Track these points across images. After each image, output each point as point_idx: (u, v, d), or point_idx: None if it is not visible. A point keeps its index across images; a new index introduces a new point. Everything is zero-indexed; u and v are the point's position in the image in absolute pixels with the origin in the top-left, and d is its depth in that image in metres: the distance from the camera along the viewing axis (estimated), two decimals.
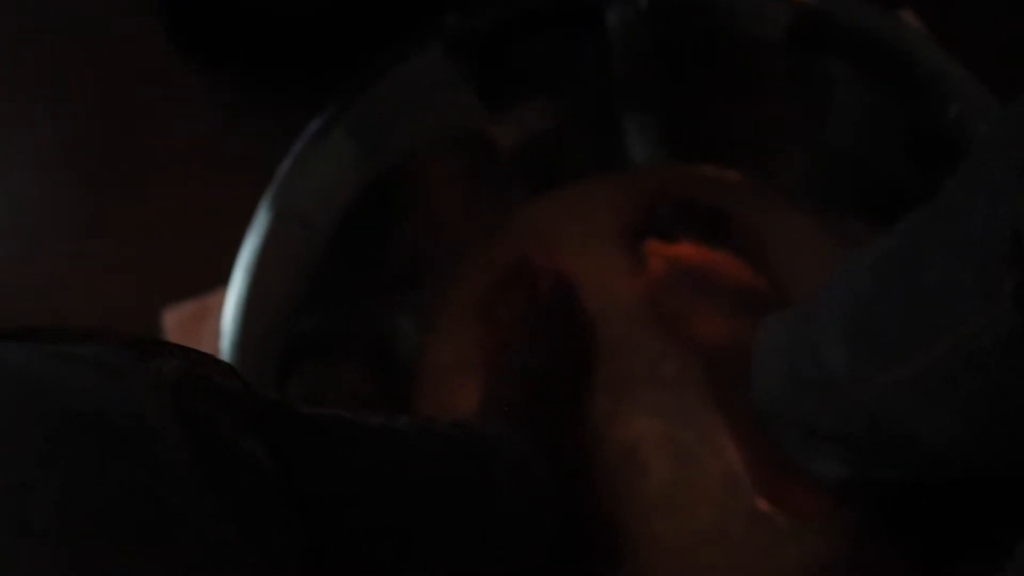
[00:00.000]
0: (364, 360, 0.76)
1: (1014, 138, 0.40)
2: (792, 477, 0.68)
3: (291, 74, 0.90)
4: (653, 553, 0.70)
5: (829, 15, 0.71)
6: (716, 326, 0.73)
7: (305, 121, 0.71)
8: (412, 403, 0.76)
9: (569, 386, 0.74)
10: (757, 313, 0.68)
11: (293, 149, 0.70)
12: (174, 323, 0.83)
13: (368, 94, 0.73)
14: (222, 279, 0.68)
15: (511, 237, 0.82)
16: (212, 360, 0.35)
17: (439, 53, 0.74)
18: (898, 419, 0.51)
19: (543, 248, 0.80)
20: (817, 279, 0.60)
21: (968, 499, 0.61)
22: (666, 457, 0.73)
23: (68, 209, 0.91)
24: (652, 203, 0.81)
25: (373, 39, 0.82)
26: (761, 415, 0.67)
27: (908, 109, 0.70)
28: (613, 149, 0.83)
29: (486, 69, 0.76)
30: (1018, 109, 0.41)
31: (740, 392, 0.68)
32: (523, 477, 0.60)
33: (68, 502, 0.26)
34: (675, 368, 0.75)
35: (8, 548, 0.25)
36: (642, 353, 0.76)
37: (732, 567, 0.69)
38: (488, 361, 0.76)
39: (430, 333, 0.79)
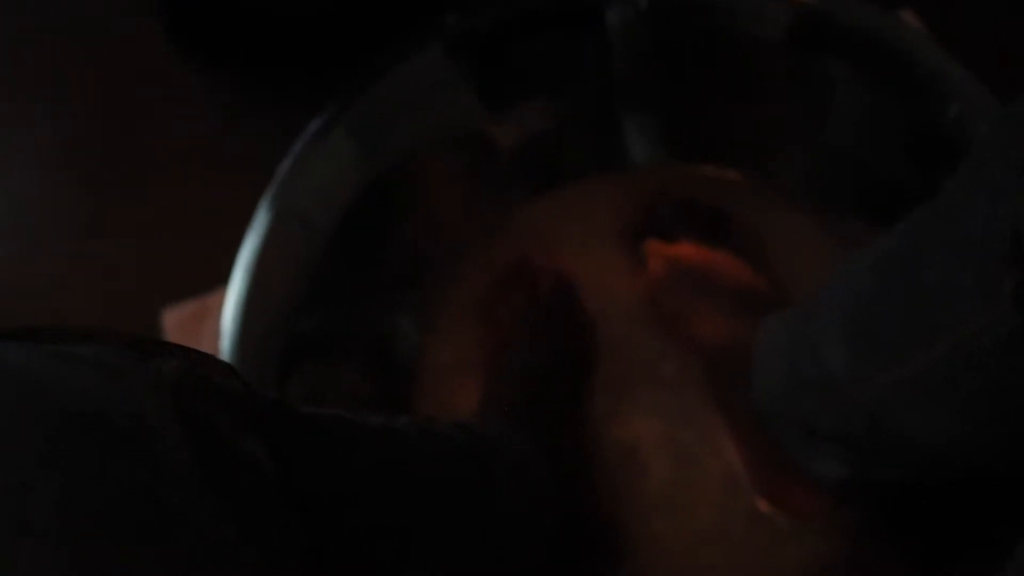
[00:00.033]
0: (364, 360, 0.76)
1: (1014, 138, 0.40)
2: (792, 477, 0.68)
3: (291, 74, 0.90)
4: (653, 553, 0.70)
5: (829, 15, 0.71)
6: (716, 326, 0.73)
7: (305, 121, 0.71)
8: (412, 403, 0.76)
9: (569, 386, 0.74)
10: (757, 313, 0.68)
11: (293, 149, 0.70)
12: (174, 323, 0.83)
13: (368, 94, 0.73)
14: (222, 279, 0.68)
15: (511, 237, 0.82)
16: (212, 360, 0.35)
17: (439, 53, 0.74)
18: (898, 419, 0.51)
19: (543, 248, 0.80)
20: (817, 279, 0.60)
21: (968, 499, 0.61)
22: (666, 457, 0.73)
23: (68, 209, 0.91)
24: (652, 203, 0.81)
25: (373, 39, 0.82)
26: (761, 415, 0.67)
27: (908, 109, 0.70)
28: (613, 149, 0.83)
29: (486, 69, 0.76)
30: (1018, 109, 0.41)
31: (740, 392, 0.68)
32: (523, 477, 0.60)
33: (68, 502, 0.26)
34: (675, 368, 0.75)
35: (8, 548, 0.25)
36: (642, 353, 0.76)
37: (732, 567, 0.69)
38: (488, 361, 0.76)
39: (430, 333, 0.79)
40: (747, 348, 0.67)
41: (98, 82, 0.95)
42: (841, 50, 0.71)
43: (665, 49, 0.76)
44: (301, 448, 0.37)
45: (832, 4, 0.71)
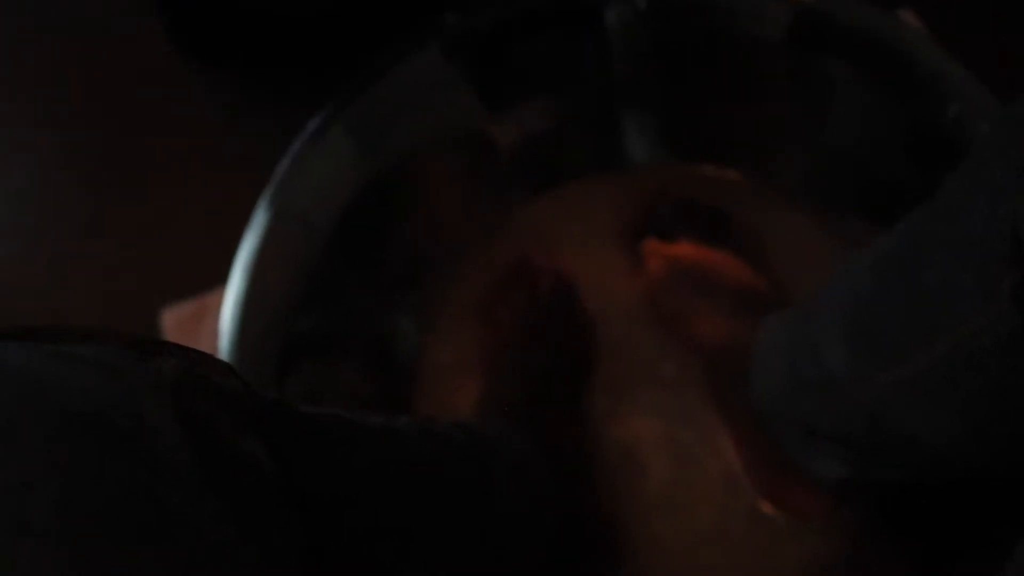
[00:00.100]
0: (364, 360, 0.76)
1: (1014, 138, 0.40)
2: (792, 477, 0.68)
3: (291, 74, 0.90)
4: (653, 553, 0.70)
5: (829, 15, 0.71)
6: (716, 326, 0.73)
7: (305, 121, 0.71)
8: (412, 403, 0.76)
9: (569, 386, 0.74)
10: (757, 313, 0.68)
11: (291, 148, 0.70)
12: (173, 322, 0.83)
13: (367, 93, 0.73)
14: (221, 279, 0.68)
15: (511, 237, 0.82)
16: (211, 359, 0.35)
17: (439, 53, 0.74)
18: (898, 419, 0.51)
19: (543, 248, 0.80)
20: (817, 279, 0.60)
21: (968, 499, 0.61)
22: (666, 457, 0.73)
23: (68, 209, 0.91)
24: (652, 203, 0.81)
25: (373, 39, 0.82)
26: (761, 415, 0.67)
27: (908, 109, 0.70)
28: (613, 149, 0.83)
29: (486, 69, 0.76)
30: (1018, 109, 0.41)
31: (740, 392, 0.68)
32: (523, 477, 0.60)
33: (68, 502, 0.26)
34: (675, 368, 0.75)
35: (8, 548, 0.25)
36: (642, 353, 0.76)
37: (732, 567, 0.69)
38: (488, 361, 0.76)
39: (430, 333, 0.79)
40: (747, 348, 0.67)
41: (98, 82, 0.95)
42: (841, 50, 0.71)
43: (665, 49, 0.76)
44: (301, 448, 0.37)
45: (832, 4, 0.71)
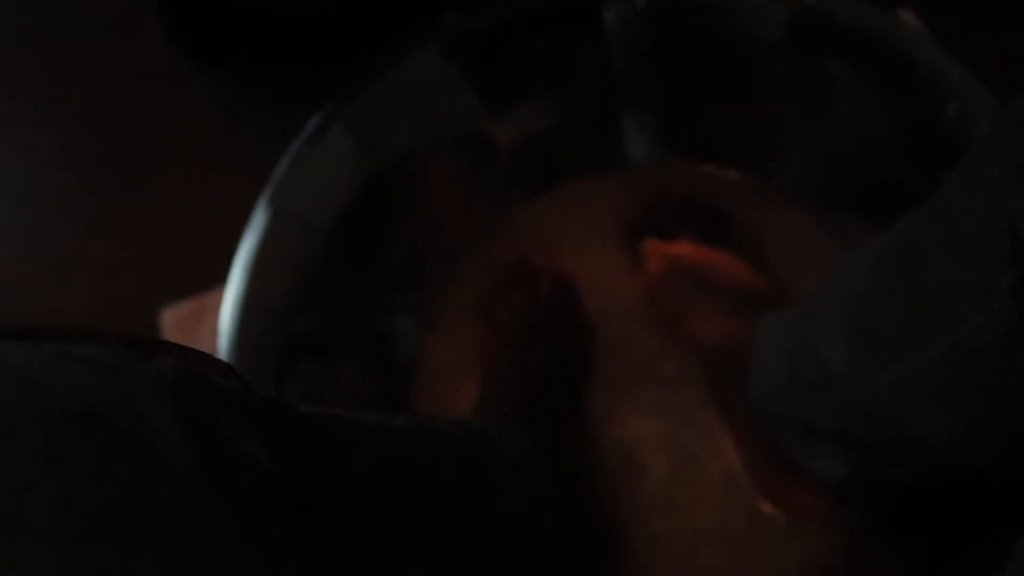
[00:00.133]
0: (363, 360, 0.76)
1: (1014, 137, 0.40)
2: (792, 477, 0.68)
3: (291, 74, 0.90)
4: (653, 553, 0.70)
5: (829, 15, 0.71)
6: (716, 325, 0.73)
7: (305, 121, 0.71)
8: (412, 403, 0.76)
9: (569, 386, 0.74)
10: (757, 313, 0.68)
11: (290, 148, 0.70)
12: (172, 322, 0.83)
13: (367, 93, 0.73)
14: (220, 278, 0.68)
15: (511, 237, 0.82)
16: (211, 359, 0.35)
17: (439, 53, 0.74)
18: (898, 419, 0.51)
19: (543, 248, 0.80)
20: (817, 279, 0.60)
21: (968, 499, 0.61)
22: (666, 457, 0.73)
23: (68, 209, 0.91)
24: (652, 203, 0.81)
25: (373, 39, 0.82)
26: (761, 414, 0.67)
27: (908, 109, 0.70)
28: (613, 148, 0.83)
29: (486, 69, 0.76)
30: (1018, 108, 0.41)
31: (740, 392, 0.68)
32: (523, 477, 0.60)
33: (68, 502, 0.26)
34: (675, 367, 0.75)
35: (8, 548, 0.25)
36: (642, 353, 0.76)
37: (732, 567, 0.69)
38: (488, 361, 0.76)
39: (430, 333, 0.79)
40: (747, 347, 0.67)
41: (98, 82, 0.95)
42: (841, 50, 0.71)
43: (665, 49, 0.76)
44: (301, 448, 0.37)
45: (832, 4, 0.71)
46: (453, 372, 0.77)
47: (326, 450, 0.39)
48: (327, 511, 0.37)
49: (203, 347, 0.36)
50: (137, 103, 0.93)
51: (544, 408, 0.71)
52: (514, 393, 0.71)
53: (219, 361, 0.36)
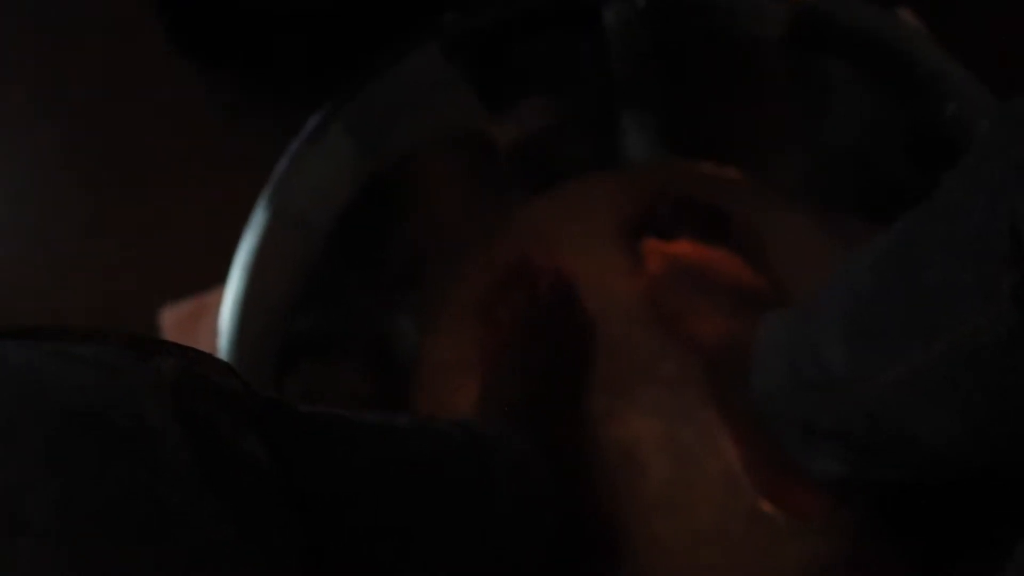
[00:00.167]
0: (363, 360, 0.76)
1: (1014, 136, 0.40)
2: (792, 477, 0.68)
3: (291, 74, 0.90)
4: (653, 553, 0.70)
5: (828, 14, 0.71)
6: (716, 325, 0.73)
7: (305, 121, 0.71)
8: (412, 403, 0.76)
9: (569, 386, 0.74)
10: (757, 312, 0.68)
11: (290, 148, 0.70)
12: (172, 322, 0.83)
13: (367, 93, 0.73)
14: (220, 278, 0.68)
15: (511, 237, 0.82)
16: (210, 359, 0.35)
17: (438, 53, 0.74)
18: (898, 419, 0.51)
19: (543, 248, 0.80)
20: (817, 279, 0.60)
21: (968, 499, 0.61)
22: (666, 457, 0.73)
23: (68, 209, 0.91)
24: (652, 202, 0.81)
25: (373, 39, 0.82)
26: (761, 414, 0.67)
27: (908, 109, 0.70)
28: (613, 148, 0.83)
29: (486, 69, 0.76)
30: (1018, 108, 0.41)
31: (740, 392, 0.68)
32: (523, 477, 0.60)
33: (68, 502, 0.26)
34: (675, 367, 0.75)
35: (8, 547, 0.25)
36: (642, 352, 0.76)
37: (732, 567, 0.69)
38: (488, 361, 0.76)
39: (430, 333, 0.79)
40: (747, 347, 0.67)
41: (98, 82, 0.95)
42: (841, 50, 0.71)
43: (664, 48, 0.76)
44: (301, 448, 0.37)
45: (832, 3, 0.71)
46: (453, 372, 0.77)
47: (326, 450, 0.39)
48: (327, 511, 0.37)
49: (203, 347, 0.36)
50: (137, 103, 0.93)
51: (544, 408, 0.71)
52: (514, 393, 0.71)
53: (219, 361, 0.36)
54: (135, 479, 0.28)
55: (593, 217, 0.82)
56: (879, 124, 0.72)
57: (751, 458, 0.71)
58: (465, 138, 0.79)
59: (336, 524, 0.38)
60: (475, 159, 0.80)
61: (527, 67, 0.77)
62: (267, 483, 0.33)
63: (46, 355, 0.29)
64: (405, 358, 0.78)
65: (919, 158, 0.70)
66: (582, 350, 0.76)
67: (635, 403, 0.74)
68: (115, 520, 0.27)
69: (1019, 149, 0.39)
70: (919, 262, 0.46)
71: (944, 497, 0.62)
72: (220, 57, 0.93)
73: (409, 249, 0.79)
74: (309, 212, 0.72)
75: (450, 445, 0.52)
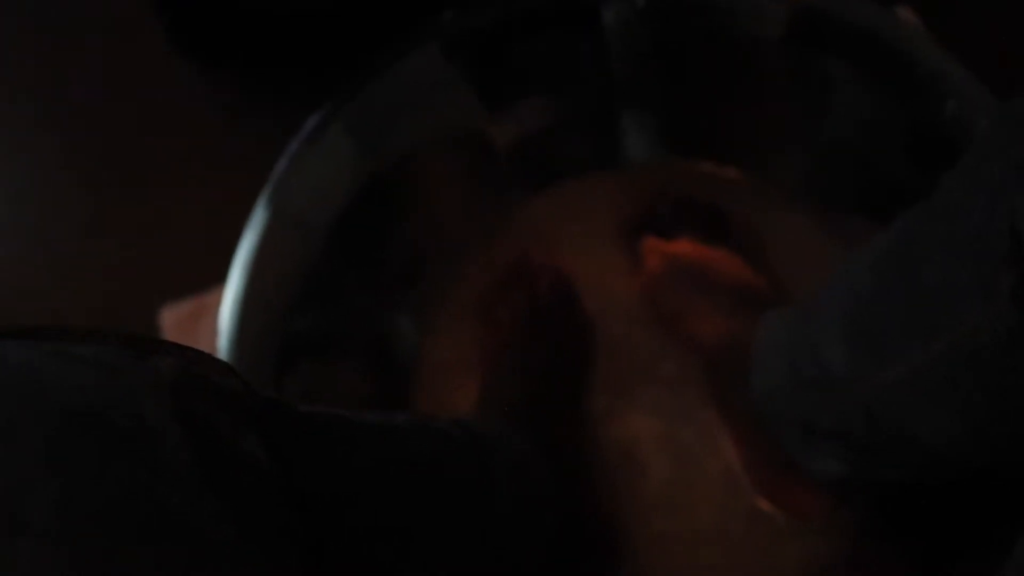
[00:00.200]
0: (363, 359, 0.76)
1: (1014, 136, 0.40)
2: (792, 476, 0.68)
3: (291, 74, 0.90)
4: (653, 553, 0.70)
5: (828, 14, 0.71)
6: (715, 325, 0.73)
7: (305, 121, 0.71)
8: (411, 403, 0.76)
9: (569, 385, 0.74)
10: (756, 312, 0.68)
11: (289, 148, 0.70)
12: (172, 321, 0.83)
13: (366, 93, 0.73)
14: (220, 278, 0.68)
15: (511, 236, 0.82)
16: (209, 359, 0.35)
17: (438, 53, 0.74)
18: (898, 419, 0.51)
19: (542, 247, 0.80)
20: (817, 279, 0.60)
21: (968, 499, 0.61)
22: (666, 456, 0.73)
23: (68, 209, 0.91)
24: (652, 202, 0.81)
25: (373, 39, 0.82)
26: (761, 414, 0.67)
27: (908, 108, 0.70)
28: (612, 148, 0.83)
29: (485, 69, 0.76)
30: (1017, 108, 0.41)
31: (740, 391, 0.68)
32: (523, 477, 0.60)
33: (68, 502, 0.26)
34: (674, 367, 0.75)
35: (8, 548, 0.25)
36: (641, 352, 0.76)
37: (732, 567, 0.69)
38: (488, 361, 0.76)
39: (430, 333, 0.79)
40: (746, 347, 0.67)
41: (98, 82, 0.95)
42: (840, 49, 0.71)
43: (664, 48, 0.76)
44: (300, 448, 0.37)
45: (831, 3, 0.71)
46: (453, 372, 0.77)
47: (326, 450, 0.39)
48: (327, 511, 0.37)
49: (202, 347, 0.36)
50: (137, 103, 0.93)
51: (544, 408, 0.71)
52: (514, 393, 0.71)
53: (218, 360, 0.36)
54: (135, 479, 0.28)
55: (593, 217, 0.82)
56: (879, 124, 0.72)
57: (751, 458, 0.71)
58: (465, 138, 0.79)
59: (336, 524, 0.38)
60: (475, 159, 0.80)
61: (527, 67, 0.77)
62: (267, 483, 0.33)
63: (46, 355, 0.29)
64: (405, 358, 0.78)
65: (919, 158, 0.70)
66: (582, 350, 0.76)
67: (635, 403, 0.74)
68: (115, 520, 0.27)
69: (1019, 149, 0.39)
70: (919, 262, 0.46)
71: (944, 497, 0.62)
72: (220, 57, 0.93)
73: (409, 249, 0.79)
74: (308, 212, 0.72)
75: (450, 445, 0.52)
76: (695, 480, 0.72)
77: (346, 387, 0.74)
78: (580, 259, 0.79)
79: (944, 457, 0.51)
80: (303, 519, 0.35)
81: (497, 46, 0.75)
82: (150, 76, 0.93)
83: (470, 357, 0.77)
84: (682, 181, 0.82)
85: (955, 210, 0.43)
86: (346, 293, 0.75)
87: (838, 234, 0.77)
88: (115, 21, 0.96)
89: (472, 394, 0.74)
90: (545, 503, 0.62)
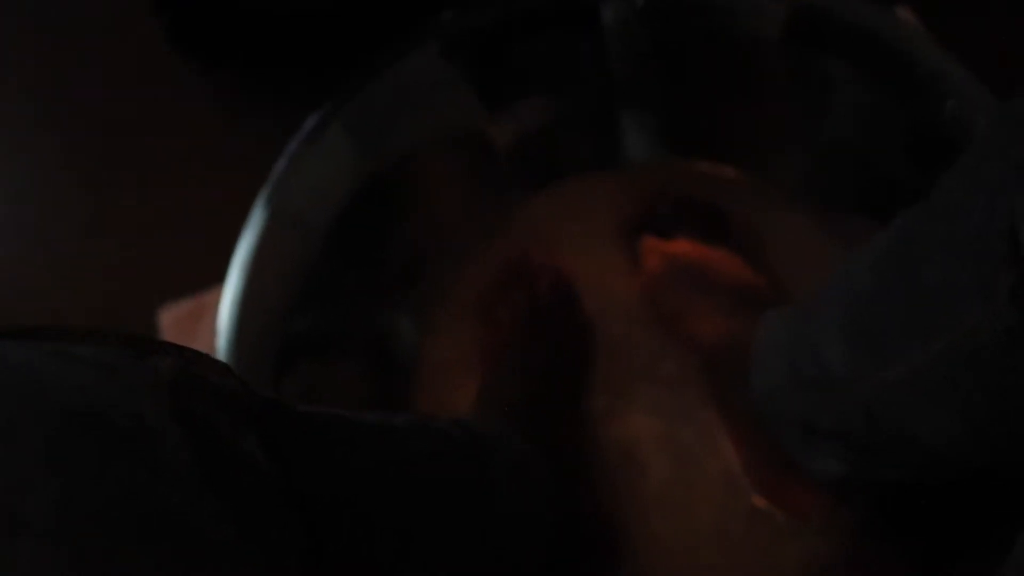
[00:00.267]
0: (362, 359, 0.76)
1: (1013, 136, 0.40)
2: (792, 476, 0.68)
3: (291, 74, 0.90)
4: (653, 553, 0.70)
5: (828, 14, 0.71)
6: (715, 325, 0.73)
7: (305, 121, 0.71)
8: (411, 403, 0.76)
9: (568, 385, 0.74)
10: (756, 312, 0.68)
11: (288, 148, 0.70)
12: (171, 321, 0.83)
13: (366, 93, 0.73)
14: (219, 278, 0.68)
15: (510, 236, 0.82)
16: (208, 359, 0.35)
17: (438, 53, 0.74)
18: (898, 419, 0.51)
19: (542, 247, 0.80)
20: (817, 278, 0.60)
21: (968, 499, 0.61)
22: (665, 456, 0.73)
23: (68, 209, 0.91)
24: (651, 201, 0.81)
25: (373, 39, 0.82)
26: (760, 414, 0.67)
27: (908, 108, 0.70)
28: (612, 147, 0.83)
29: (485, 69, 0.76)
30: (1017, 108, 0.41)
31: (739, 391, 0.68)
32: (523, 477, 0.60)
33: (68, 502, 0.26)
34: (674, 367, 0.75)
35: (8, 548, 0.25)
36: (641, 352, 0.76)
37: (732, 567, 0.69)
38: (488, 360, 0.76)
39: (429, 333, 0.79)
40: (746, 347, 0.67)
41: (98, 82, 0.95)
42: (840, 49, 0.71)
43: (664, 48, 0.76)
44: (300, 448, 0.37)
45: (831, 2, 0.71)
46: (453, 372, 0.77)
47: (325, 450, 0.39)
48: (326, 511, 0.37)
49: (202, 347, 0.36)
50: (137, 103, 0.93)
51: (544, 408, 0.71)
52: (514, 393, 0.71)
53: (216, 361, 0.36)
54: (135, 479, 0.28)
55: (593, 217, 0.82)
56: (879, 124, 0.73)
57: (751, 458, 0.71)
58: (465, 138, 0.79)
59: (335, 524, 0.38)
60: (475, 159, 0.80)
61: (527, 67, 0.77)
62: (266, 483, 0.33)
63: (46, 355, 0.29)
64: (405, 358, 0.78)
65: (919, 158, 0.70)
66: (582, 350, 0.76)
67: (635, 402, 0.74)
68: (115, 520, 0.27)
69: (1019, 149, 0.39)
70: (918, 262, 0.46)
71: (944, 497, 0.62)
72: (220, 57, 0.93)
73: (409, 249, 0.79)
74: (308, 212, 0.72)
75: (450, 445, 0.52)
76: (695, 480, 0.72)
77: (346, 387, 0.74)
78: (580, 259, 0.79)
79: (944, 457, 0.51)
80: (302, 519, 0.35)
81: (497, 46, 0.75)
82: (150, 76, 0.94)
83: (470, 357, 0.77)
84: (682, 181, 0.82)
85: (955, 210, 0.43)
86: (346, 293, 0.75)
87: (838, 234, 0.77)
88: (115, 21, 0.96)
89: (472, 394, 0.74)
90: (545, 503, 0.62)
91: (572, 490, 0.69)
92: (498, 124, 0.79)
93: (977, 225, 0.40)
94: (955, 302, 0.42)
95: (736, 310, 0.72)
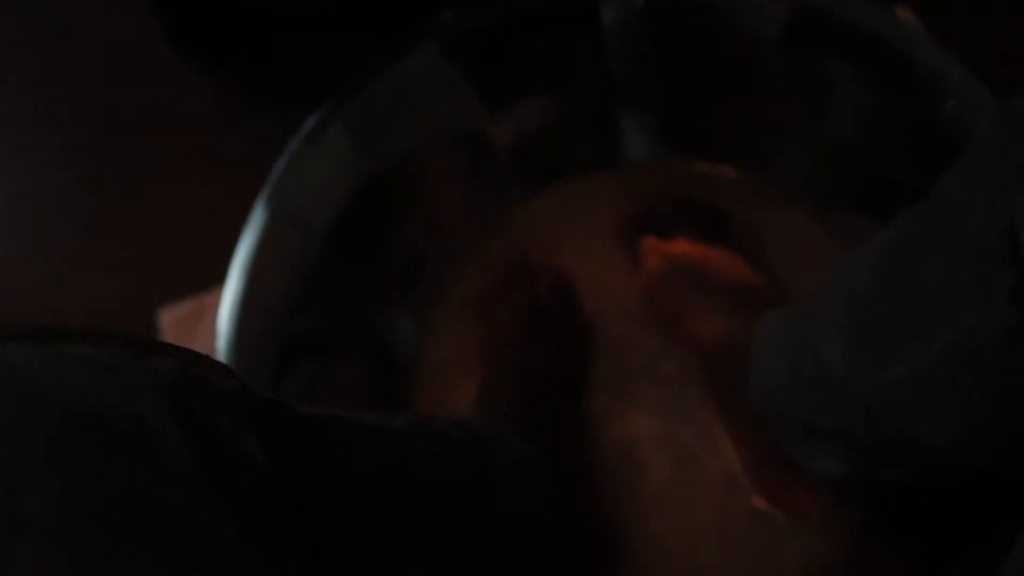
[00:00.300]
0: (362, 359, 0.76)
1: (1013, 136, 0.40)
2: (792, 476, 0.68)
3: (291, 74, 0.90)
4: (653, 553, 0.70)
5: (828, 14, 0.71)
6: (715, 325, 0.73)
7: (304, 121, 0.71)
8: (411, 402, 0.76)
9: (568, 385, 0.74)
10: (756, 312, 0.68)
11: (288, 148, 0.70)
12: (171, 322, 0.83)
13: (365, 93, 0.73)
14: (219, 278, 0.68)
15: (510, 236, 0.82)
16: (208, 360, 0.35)
17: (437, 53, 0.74)
18: (898, 419, 0.51)
19: (542, 247, 0.80)
20: (817, 278, 0.60)
21: (968, 499, 0.61)
22: (665, 456, 0.73)
23: (68, 209, 0.91)
24: (651, 201, 0.81)
25: (373, 39, 0.82)
26: (760, 414, 0.67)
27: (908, 108, 0.70)
28: (612, 147, 0.83)
29: (485, 69, 0.76)
30: (1017, 108, 0.41)
31: (739, 391, 0.68)
32: (523, 477, 0.60)
33: (68, 502, 0.26)
34: (674, 367, 0.75)
35: (8, 548, 0.25)
36: (641, 352, 0.76)
37: (732, 567, 0.69)
38: (488, 360, 0.76)
39: (429, 333, 0.79)
40: (746, 347, 0.67)
41: (98, 82, 0.95)
42: (840, 49, 0.71)
43: (664, 48, 0.76)
44: (299, 449, 0.37)
45: (831, 2, 0.71)
46: (453, 372, 0.77)
47: (325, 451, 0.39)
48: (326, 512, 0.37)
49: (202, 347, 0.36)
50: (137, 103, 0.93)
51: (544, 408, 0.71)
52: (514, 393, 0.71)
53: (216, 362, 0.36)
54: (135, 479, 0.28)
55: (593, 216, 0.82)
56: (879, 123, 0.73)
57: (751, 458, 0.71)
58: (465, 138, 0.79)
59: (335, 525, 0.38)
60: (475, 159, 0.80)
61: (527, 67, 0.77)
62: (266, 484, 0.33)
63: (45, 355, 0.29)
64: (404, 358, 0.78)
65: (919, 158, 0.70)
66: (582, 350, 0.76)
67: (635, 402, 0.74)
68: (115, 520, 0.27)
69: (1019, 149, 0.39)
70: (918, 262, 0.46)
71: (944, 497, 0.62)
72: (220, 57, 0.93)
73: (409, 249, 0.79)
74: (308, 212, 0.72)
75: (450, 445, 0.52)
76: (695, 480, 0.72)
77: (346, 387, 0.74)
78: (580, 259, 0.79)
79: (944, 457, 0.51)
80: (302, 519, 0.35)
81: (497, 46, 0.75)
82: (150, 76, 0.94)
83: (470, 357, 0.77)
84: (682, 181, 0.82)
85: (955, 210, 0.43)
86: (346, 293, 0.75)
87: (838, 234, 0.77)
88: (115, 21, 0.96)
89: (472, 394, 0.74)
90: (545, 503, 0.62)
91: (572, 490, 0.69)
92: (498, 124, 0.79)
93: (977, 225, 0.40)
94: (955, 302, 0.42)
95: (736, 310, 0.72)
